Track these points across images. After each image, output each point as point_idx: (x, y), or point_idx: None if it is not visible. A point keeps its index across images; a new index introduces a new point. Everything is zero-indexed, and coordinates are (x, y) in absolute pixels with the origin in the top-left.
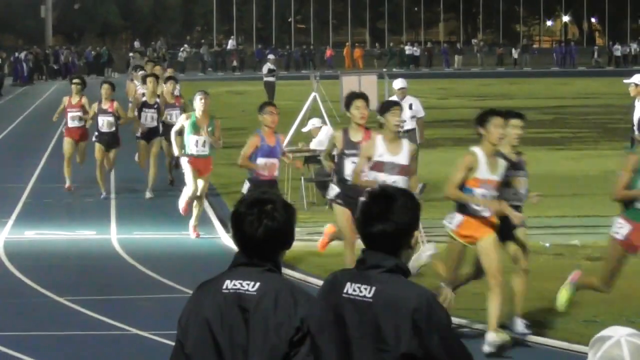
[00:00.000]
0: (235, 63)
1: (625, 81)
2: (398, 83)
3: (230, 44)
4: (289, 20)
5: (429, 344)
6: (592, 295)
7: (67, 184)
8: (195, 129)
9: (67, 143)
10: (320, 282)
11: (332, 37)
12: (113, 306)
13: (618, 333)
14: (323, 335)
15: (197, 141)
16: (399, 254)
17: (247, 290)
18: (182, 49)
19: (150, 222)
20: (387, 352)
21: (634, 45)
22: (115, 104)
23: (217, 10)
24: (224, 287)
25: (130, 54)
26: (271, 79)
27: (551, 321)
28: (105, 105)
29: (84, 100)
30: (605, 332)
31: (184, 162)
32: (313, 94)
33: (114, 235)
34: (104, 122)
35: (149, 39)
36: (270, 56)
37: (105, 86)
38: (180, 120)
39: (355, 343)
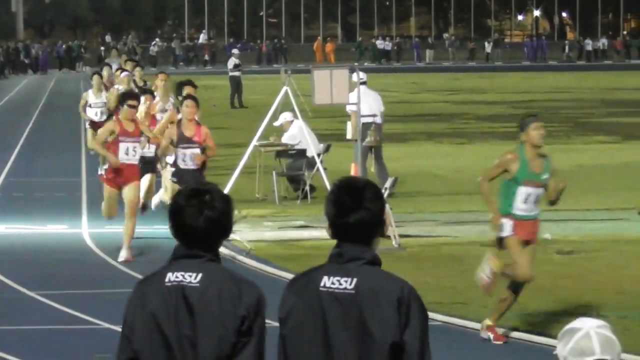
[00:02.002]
0: (206, 57)
1: None
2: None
3: (202, 38)
4: (261, 14)
5: (407, 334)
6: (563, 290)
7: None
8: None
9: (112, 195)
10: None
11: (304, 32)
12: (84, 300)
13: (587, 325)
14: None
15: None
16: (373, 242)
17: (190, 282)
18: (153, 43)
19: (122, 217)
20: (371, 343)
21: (604, 40)
22: (205, 129)
23: (188, 4)
24: (167, 280)
25: (102, 48)
26: (237, 73)
27: (522, 315)
28: (189, 132)
29: (143, 127)
30: (574, 324)
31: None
32: (284, 88)
33: (85, 230)
34: (188, 155)
35: (120, 33)
36: (235, 51)
37: (190, 103)
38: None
39: (337, 336)
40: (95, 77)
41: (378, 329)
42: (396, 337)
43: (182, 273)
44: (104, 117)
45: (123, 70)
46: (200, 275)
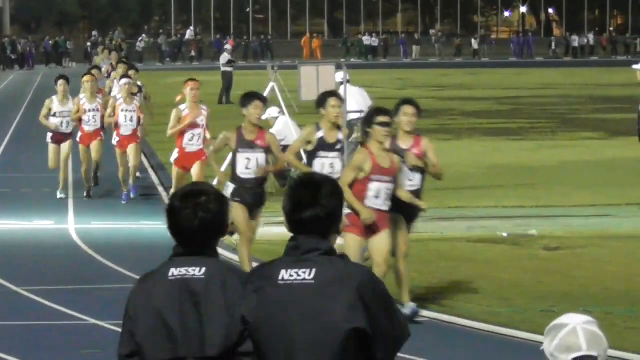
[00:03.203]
0: (193, 53)
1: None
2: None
3: (189, 34)
4: (247, 10)
5: (375, 316)
6: (550, 286)
7: None
8: None
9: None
10: None
11: (290, 28)
12: (71, 296)
13: (574, 321)
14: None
15: None
16: (329, 237)
17: (194, 275)
18: (140, 38)
19: (108, 212)
20: (334, 330)
21: (591, 36)
22: (269, 135)
23: (175, 0)
24: (170, 274)
25: (88, 43)
26: (229, 69)
27: (508, 311)
28: (251, 136)
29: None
30: (561, 320)
31: None
32: (271, 84)
33: (72, 225)
34: (253, 161)
35: (107, 28)
36: (227, 46)
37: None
38: None
39: (298, 327)
40: (62, 82)
41: (340, 316)
42: (361, 323)
43: (186, 268)
44: (70, 128)
45: (113, 70)
46: (203, 268)
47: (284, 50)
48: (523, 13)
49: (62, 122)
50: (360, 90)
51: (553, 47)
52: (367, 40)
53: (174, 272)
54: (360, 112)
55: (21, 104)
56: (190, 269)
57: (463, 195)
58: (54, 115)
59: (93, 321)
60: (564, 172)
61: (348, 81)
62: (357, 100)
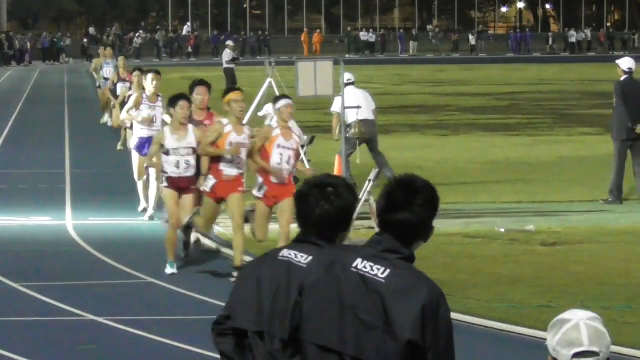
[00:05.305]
0: (190, 49)
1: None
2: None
3: (186, 29)
4: (245, 6)
5: (428, 337)
6: (547, 281)
7: None
8: None
9: None
10: None
11: (288, 23)
12: (68, 292)
13: (577, 316)
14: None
15: None
16: (414, 244)
17: (300, 262)
18: (137, 34)
19: (106, 208)
20: (390, 334)
21: (588, 32)
22: None
23: None
24: (280, 254)
25: (85, 40)
26: (231, 66)
27: (506, 306)
28: None
29: None
30: (564, 315)
31: None
32: (268, 79)
33: (69, 221)
34: None
35: (104, 24)
36: (230, 42)
37: None
38: None
39: (351, 317)
40: (184, 103)
41: (400, 323)
42: (417, 336)
43: (296, 252)
44: (191, 171)
45: (121, 79)
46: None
47: (281, 46)
48: (520, 9)
49: (178, 163)
50: (365, 93)
51: (550, 42)
52: (364, 36)
53: (284, 253)
54: (358, 107)
55: (18, 100)
56: (298, 255)
57: (460, 191)
58: (167, 153)
59: (90, 317)
60: (561, 167)
61: (352, 83)
62: (368, 104)
